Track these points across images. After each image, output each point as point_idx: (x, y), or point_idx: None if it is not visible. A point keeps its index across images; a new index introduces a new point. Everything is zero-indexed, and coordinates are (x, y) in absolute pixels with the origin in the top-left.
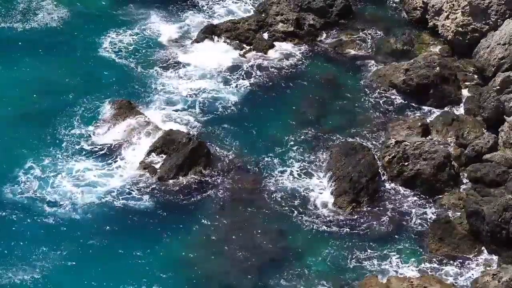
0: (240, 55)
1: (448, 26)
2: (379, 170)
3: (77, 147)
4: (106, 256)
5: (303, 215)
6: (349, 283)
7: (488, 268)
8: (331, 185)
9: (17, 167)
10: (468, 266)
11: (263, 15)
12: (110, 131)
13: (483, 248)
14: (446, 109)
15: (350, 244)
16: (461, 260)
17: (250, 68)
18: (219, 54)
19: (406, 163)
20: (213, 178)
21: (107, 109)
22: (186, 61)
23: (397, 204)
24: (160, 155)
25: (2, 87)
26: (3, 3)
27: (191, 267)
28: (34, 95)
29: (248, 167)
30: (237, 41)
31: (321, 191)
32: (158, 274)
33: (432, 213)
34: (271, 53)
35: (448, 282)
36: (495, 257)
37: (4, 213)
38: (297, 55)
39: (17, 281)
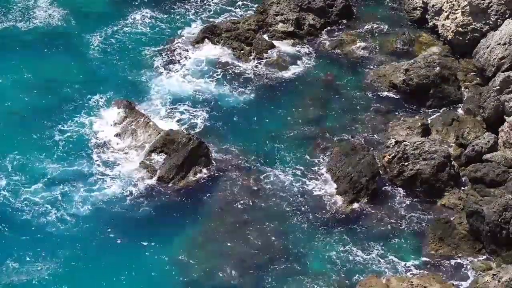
0: (240, 55)
1: (448, 26)
2: (379, 170)
3: (76, 146)
4: (105, 256)
5: (303, 215)
6: (348, 283)
7: (488, 268)
8: (331, 185)
9: (10, 166)
10: (468, 266)
11: (263, 15)
12: (109, 131)
13: (483, 248)
14: (446, 109)
15: (350, 244)
16: (461, 260)
17: (250, 68)
18: (219, 54)
19: (406, 163)
20: (213, 178)
21: (106, 109)
22: (186, 61)
23: (397, 204)
24: (160, 155)
25: None
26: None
27: (191, 267)
28: (34, 91)
29: (248, 166)
30: (237, 41)
31: (321, 191)
32: (158, 274)
33: (432, 213)
34: (271, 54)
35: (448, 282)
36: (495, 257)
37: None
38: (297, 55)
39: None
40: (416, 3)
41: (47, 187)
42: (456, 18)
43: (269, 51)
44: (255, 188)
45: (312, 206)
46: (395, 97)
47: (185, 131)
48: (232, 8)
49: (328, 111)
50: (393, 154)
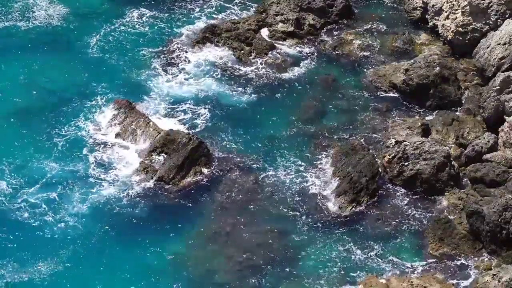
0: (240, 55)
1: (448, 26)
2: (379, 170)
3: (75, 146)
4: (105, 256)
5: (303, 215)
6: (349, 283)
7: (488, 268)
8: (331, 185)
9: (8, 168)
10: (468, 266)
11: (263, 15)
12: (109, 131)
13: (483, 248)
14: (446, 109)
15: (350, 244)
16: (461, 260)
17: (250, 68)
18: (219, 54)
19: (406, 163)
20: (213, 178)
21: (106, 109)
22: (186, 61)
23: (397, 204)
24: (160, 155)
25: None
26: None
27: (191, 267)
28: (34, 92)
29: (248, 166)
30: (237, 41)
31: (321, 191)
32: (158, 274)
33: (432, 213)
34: (271, 53)
35: (448, 282)
36: (495, 257)
37: None
38: (297, 55)
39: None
40: (416, 3)
41: (46, 188)
42: (456, 18)
43: (269, 51)
44: (255, 188)
45: (312, 206)
46: (395, 97)
47: (185, 131)
48: (231, 5)
49: (328, 111)
50: (393, 154)
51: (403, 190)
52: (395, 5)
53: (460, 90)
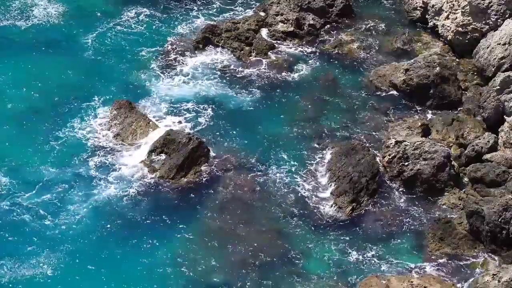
0: (240, 55)
1: (448, 26)
2: (379, 170)
3: (75, 148)
4: (106, 255)
5: (303, 215)
6: (349, 283)
7: (488, 268)
8: (331, 185)
9: (7, 168)
10: (468, 266)
11: (263, 15)
12: (109, 131)
13: (483, 248)
14: (446, 109)
15: (350, 244)
16: (461, 260)
17: (250, 68)
18: (219, 54)
19: (406, 163)
20: (213, 178)
21: (106, 109)
22: (185, 61)
23: (397, 204)
24: (160, 155)
25: None
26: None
27: (191, 267)
28: (31, 92)
29: (248, 167)
30: (237, 41)
31: (321, 191)
32: (158, 274)
33: (432, 213)
34: (271, 53)
35: (448, 282)
36: (495, 257)
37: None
38: (297, 55)
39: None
40: (416, 3)
41: (46, 189)
42: (456, 18)
43: (269, 51)
44: (255, 188)
45: (312, 206)
46: (395, 97)
47: (185, 131)
48: (233, 7)
49: (328, 111)
50: (393, 154)
51: (403, 190)
52: (395, 5)
53: (460, 90)
